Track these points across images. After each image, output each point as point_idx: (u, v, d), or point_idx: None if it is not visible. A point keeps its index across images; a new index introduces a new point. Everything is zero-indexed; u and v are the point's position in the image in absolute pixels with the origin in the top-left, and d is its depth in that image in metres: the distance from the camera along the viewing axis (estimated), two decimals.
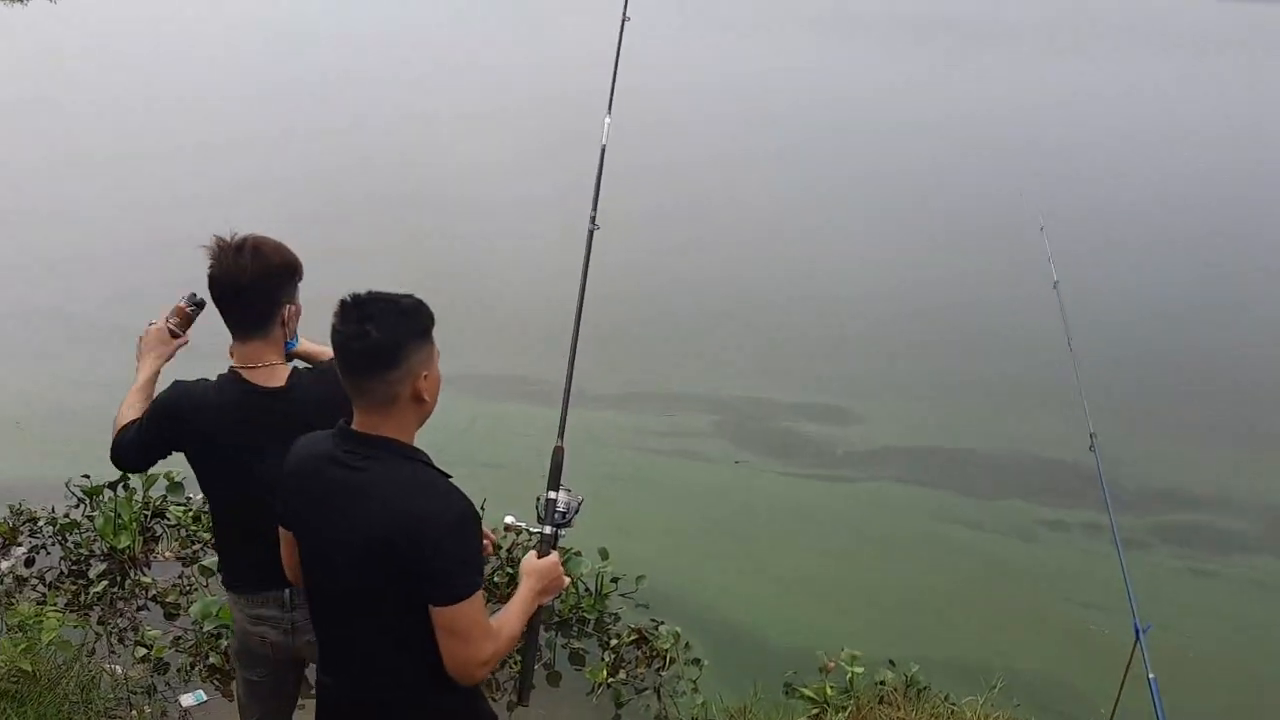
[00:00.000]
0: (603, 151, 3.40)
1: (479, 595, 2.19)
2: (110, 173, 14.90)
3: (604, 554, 5.18)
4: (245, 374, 2.67)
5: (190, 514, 5.65)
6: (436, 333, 2.25)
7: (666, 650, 4.76)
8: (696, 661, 4.76)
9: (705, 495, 6.50)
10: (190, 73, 24.92)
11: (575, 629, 5.00)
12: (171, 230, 11.00)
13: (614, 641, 4.84)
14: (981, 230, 12.85)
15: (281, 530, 2.43)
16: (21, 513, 5.65)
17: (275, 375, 2.69)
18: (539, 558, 2.49)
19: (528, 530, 2.63)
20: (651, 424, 7.38)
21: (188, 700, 4.33)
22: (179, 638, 4.70)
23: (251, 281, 2.60)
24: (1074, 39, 44.73)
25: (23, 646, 3.92)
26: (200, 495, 5.84)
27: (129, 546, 5.32)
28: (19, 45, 32.00)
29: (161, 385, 2.85)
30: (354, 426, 2.23)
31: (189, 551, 5.41)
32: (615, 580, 5.19)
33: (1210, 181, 16.79)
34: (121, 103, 20.95)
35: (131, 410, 2.82)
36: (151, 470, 5.59)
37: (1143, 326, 9.70)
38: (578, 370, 2.94)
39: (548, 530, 2.59)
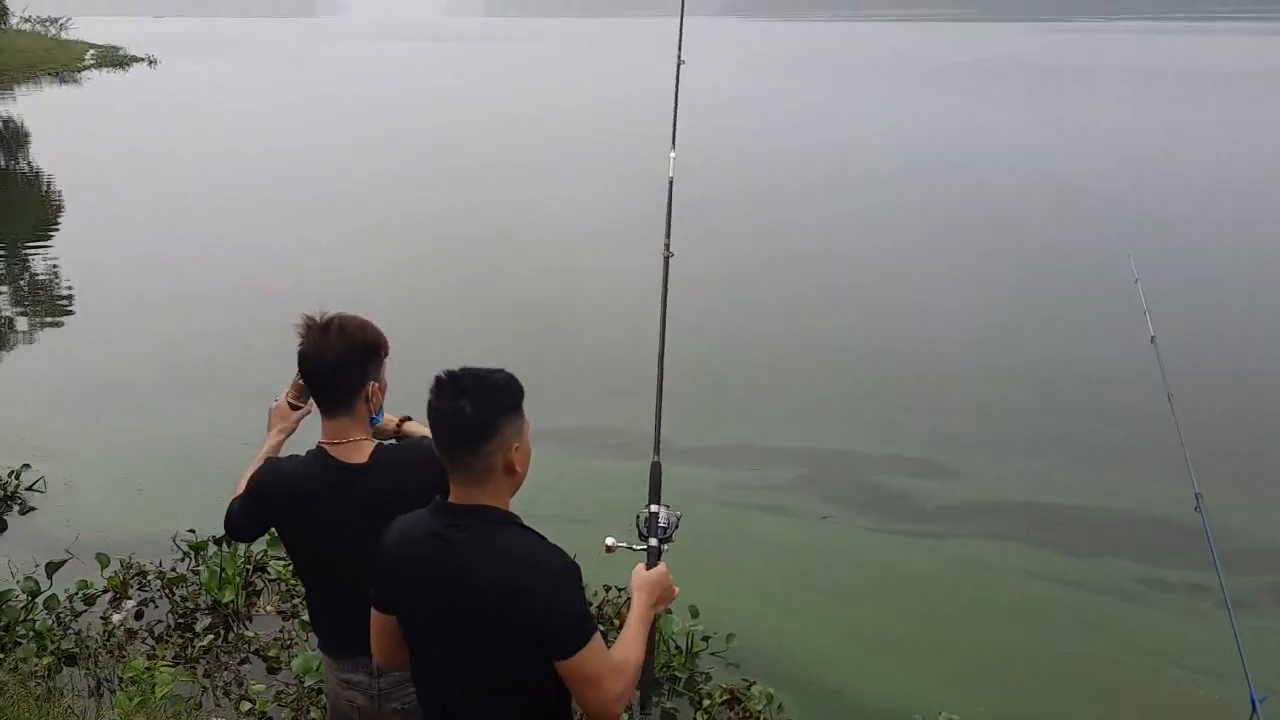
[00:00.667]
0: (670, 184, 3.47)
1: (598, 637, 2.23)
2: (232, 236, 15.59)
3: (694, 612, 5.18)
4: (331, 450, 2.76)
5: (290, 569, 5.80)
6: (530, 389, 2.32)
7: (759, 711, 4.72)
8: None
9: (793, 551, 6.44)
10: (271, 130, 25.97)
11: (666, 688, 4.98)
12: (287, 293, 11.52)
13: (706, 701, 4.81)
14: (1076, 283, 12.59)
15: (377, 615, 2.44)
16: (131, 566, 5.87)
17: (359, 451, 2.76)
18: (648, 569, 2.53)
19: (630, 549, 2.65)
20: (737, 478, 7.35)
21: None
22: (281, 692, 4.81)
23: (336, 359, 2.70)
24: (1166, 85, 43.93)
25: (137, 701, 4.07)
26: None
27: (233, 600, 5.49)
28: (124, 104, 33.76)
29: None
30: (451, 499, 2.30)
31: (289, 606, 5.55)
32: (706, 639, 5.18)
33: None
34: (236, 162, 21.93)
35: (245, 482, 2.92)
36: None
37: (1245, 381, 9.36)
38: (663, 422, 2.96)
39: (654, 542, 2.63)
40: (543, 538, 2.31)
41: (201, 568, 5.72)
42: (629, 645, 2.35)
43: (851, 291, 12.39)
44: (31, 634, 5.06)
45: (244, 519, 2.88)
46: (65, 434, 8.15)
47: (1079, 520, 6.82)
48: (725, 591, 5.76)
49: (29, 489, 6.99)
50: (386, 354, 2.82)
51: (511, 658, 2.24)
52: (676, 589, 2.56)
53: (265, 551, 5.96)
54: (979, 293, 12.32)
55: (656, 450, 2.82)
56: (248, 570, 5.78)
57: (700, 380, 9.08)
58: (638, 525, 2.66)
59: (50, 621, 5.22)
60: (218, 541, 5.86)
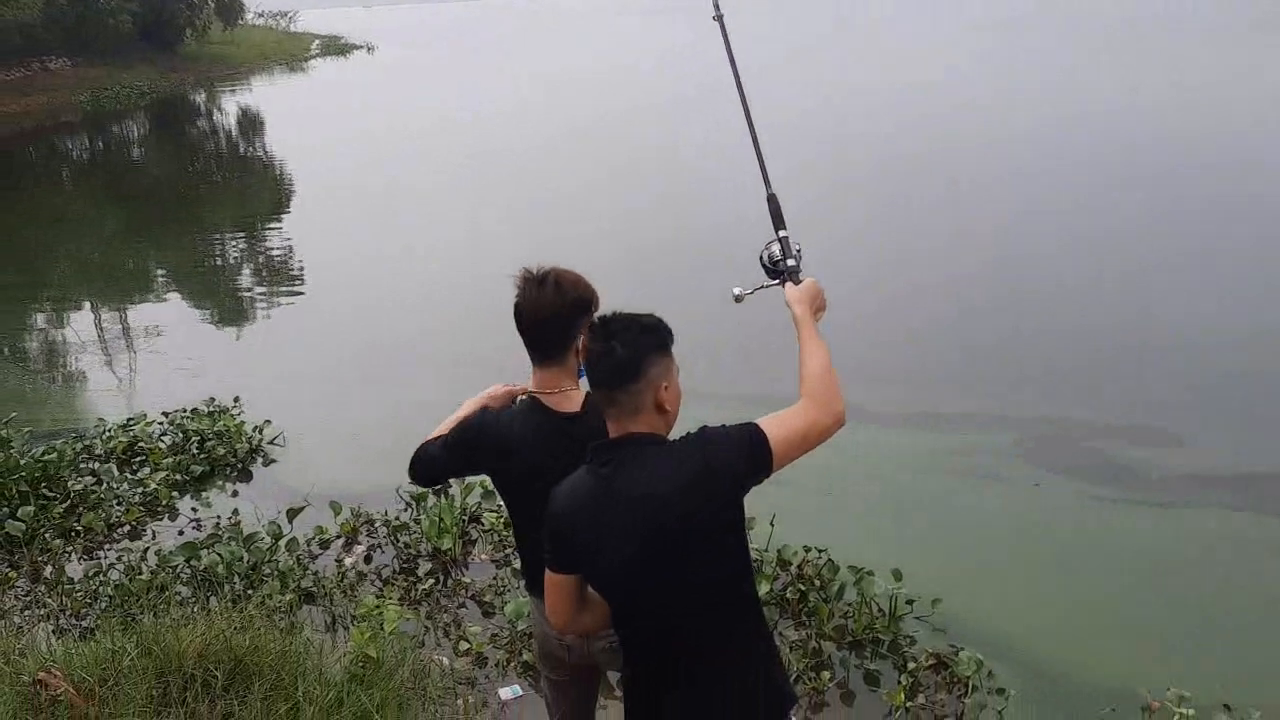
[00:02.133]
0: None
1: (763, 422, 2.37)
2: (446, 218, 16.40)
3: (897, 575, 5.08)
4: (544, 399, 2.84)
5: (503, 520, 6.08)
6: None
7: (968, 677, 4.57)
8: (1001, 691, 4.53)
9: (1003, 519, 6.18)
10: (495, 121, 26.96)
11: (869, 650, 4.91)
12: (493, 270, 12.08)
13: (911, 664, 4.71)
14: None
15: (553, 576, 2.52)
16: (360, 515, 6.31)
17: (571, 400, 2.83)
18: (796, 286, 2.68)
19: (764, 287, 2.78)
20: (944, 443, 7.10)
21: (505, 694, 4.66)
22: (495, 634, 5.06)
23: (552, 313, 2.77)
24: None
25: (368, 635, 4.37)
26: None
27: (450, 549, 5.81)
28: (347, 91, 35.96)
29: None
30: (608, 438, 2.43)
31: (502, 555, 5.83)
32: (910, 602, 5.06)
33: None
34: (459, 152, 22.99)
35: (446, 427, 2.97)
36: (470, 480, 6.13)
37: None
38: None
39: (791, 263, 2.75)
40: (678, 441, 2.40)
41: (422, 517, 6.07)
42: (811, 355, 2.50)
43: (1067, 258, 11.68)
44: (276, 573, 5.53)
45: (443, 461, 2.92)
46: (299, 396, 8.82)
47: None
48: (930, 556, 5.62)
49: (270, 443, 7.62)
50: (598, 309, 2.86)
51: (719, 553, 2.36)
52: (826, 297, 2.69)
53: (480, 504, 6.28)
54: (1208, 254, 11.38)
55: (768, 184, 2.92)
56: (464, 520, 6.09)
57: (908, 346, 8.83)
58: (763, 263, 2.78)
59: (291, 562, 5.69)
60: (436, 493, 6.21)
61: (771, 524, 5.47)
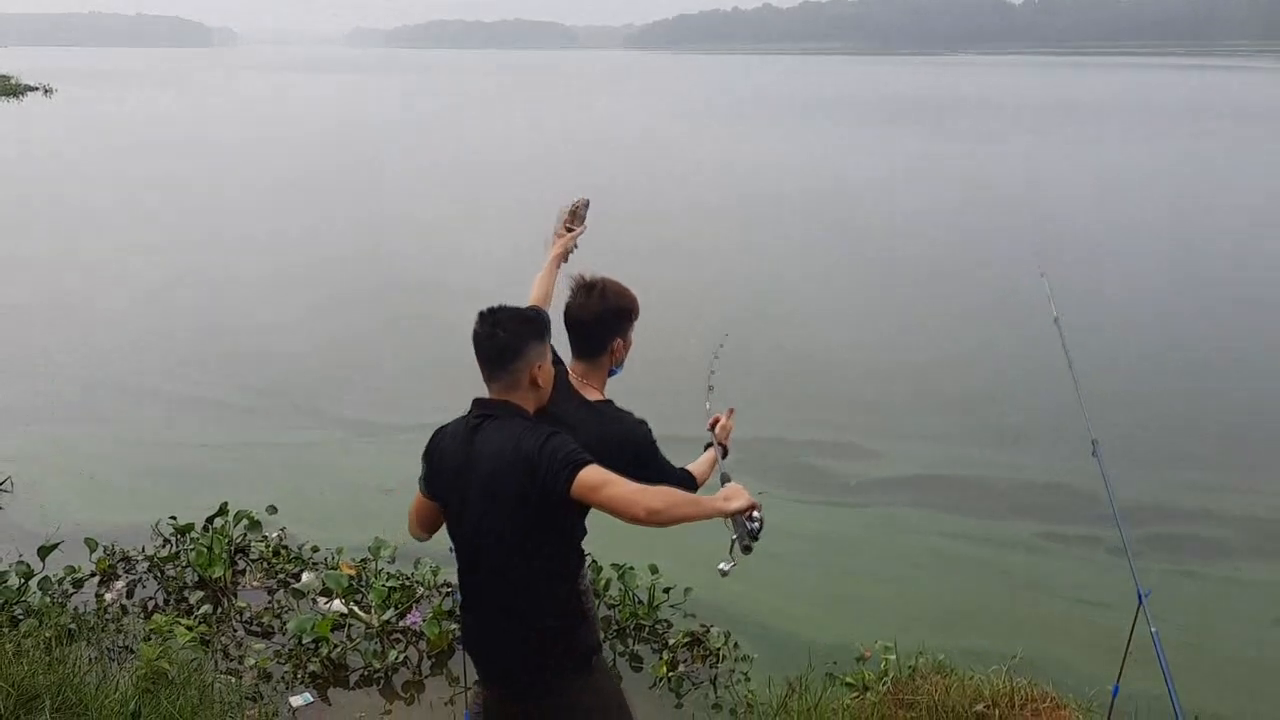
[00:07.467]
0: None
1: (592, 468, 2.64)
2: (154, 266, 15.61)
3: (654, 569, 5.72)
4: (577, 387, 3.20)
5: (271, 549, 6.18)
6: None
7: (718, 649, 5.30)
8: (745, 658, 5.28)
9: None
10: (206, 169, 25.87)
11: (632, 635, 5.50)
12: (212, 314, 11.78)
13: (670, 643, 5.35)
14: (989, 286, 13.81)
15: (421, 498, 3.05)
16: (116, 552, 6.15)
17: (593, 395, 3.21)
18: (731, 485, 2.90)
19: (732, 562, 2.99)
20: (682, 460, 7.91)
21: (296, 701, 4.82)
22: (279, 650, 5.19)
23: (595, 316, 3.17)
24: (1070, 115, 46.54)
25: (159, 650, 4.42)
26: (277, 532, 6.44)
27: (221, 576, 5.83)
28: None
29: None
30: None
31: (275, 580, 5.92)
32: (667, 590, 5.71)
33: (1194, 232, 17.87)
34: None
35: (535, 288, 3.55)
36: (235, 510, 6.23)
37: (1135, 365, 10.43)
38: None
39: (748, 540, 2.88)
40: (550, 428, 2.80)
41: (191, 548, 6.01)
42: (684, 493, 2.76)
43: (779, 300, 13.17)
44: (31, 612, 5.32)
45: None
46: (18, 442, 8.29)
47: (987, 488, 7.62)
48: (679, 555, 6.30)
49: None
50: (636, 317, 3.27)
51: (520, 521, 2.78)
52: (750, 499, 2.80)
53: (246, 535, 6.30)
54: (898, 301, 13.28)
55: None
56: (230, 551, 6.10)
57: (649, 377, 9.64)
58: (743, 527, 2.87)
59: (46, 600, 5.48)
60: (208, 522, 6.20)
61: None
